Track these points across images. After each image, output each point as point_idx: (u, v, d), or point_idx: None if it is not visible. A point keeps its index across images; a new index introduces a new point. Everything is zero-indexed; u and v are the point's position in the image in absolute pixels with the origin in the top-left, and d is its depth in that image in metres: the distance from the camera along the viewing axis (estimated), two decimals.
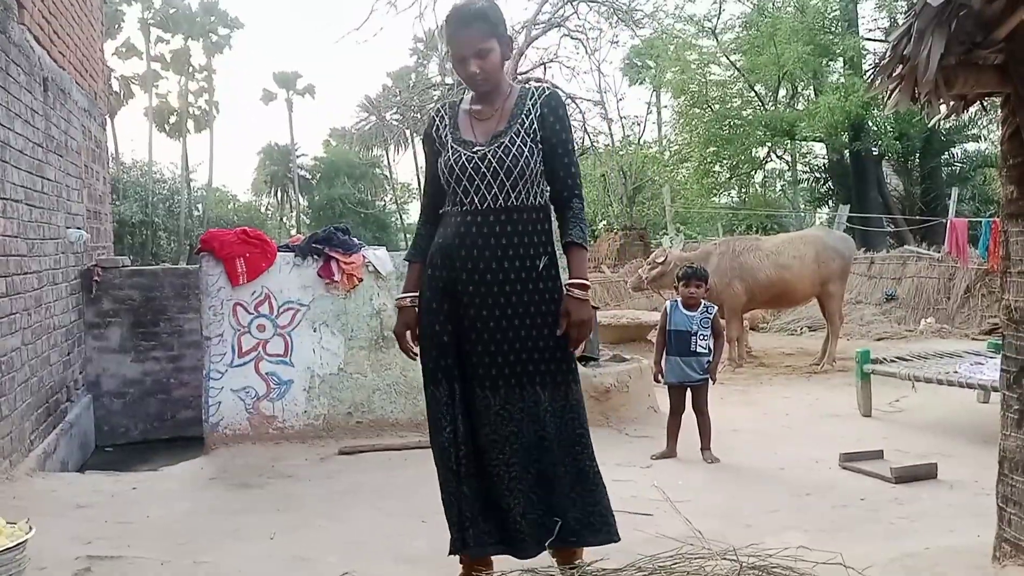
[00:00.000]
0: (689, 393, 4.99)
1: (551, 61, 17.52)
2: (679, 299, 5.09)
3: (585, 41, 17.21)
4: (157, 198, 33.69)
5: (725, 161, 19.45)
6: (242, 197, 46.62)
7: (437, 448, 2.69)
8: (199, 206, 39.38)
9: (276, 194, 48.78)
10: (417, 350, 2.77)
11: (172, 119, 40.50)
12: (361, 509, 3.72)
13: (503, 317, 2.64)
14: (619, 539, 2.78)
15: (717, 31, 18.69)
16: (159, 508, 3.88)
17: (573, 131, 2.81)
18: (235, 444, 4.97)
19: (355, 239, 5.38)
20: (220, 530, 3.50)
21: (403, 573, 3.00)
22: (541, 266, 2.65)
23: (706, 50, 19.12)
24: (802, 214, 25.36)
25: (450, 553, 2.69)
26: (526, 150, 2.65)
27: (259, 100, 49.51)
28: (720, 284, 8.71)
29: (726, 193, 23.04)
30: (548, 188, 2.74)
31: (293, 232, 47.96)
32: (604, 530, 2.75)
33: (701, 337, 4.95)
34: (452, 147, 2.71)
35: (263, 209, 46.55)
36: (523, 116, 2.69)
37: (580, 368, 5.89)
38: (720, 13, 18.85)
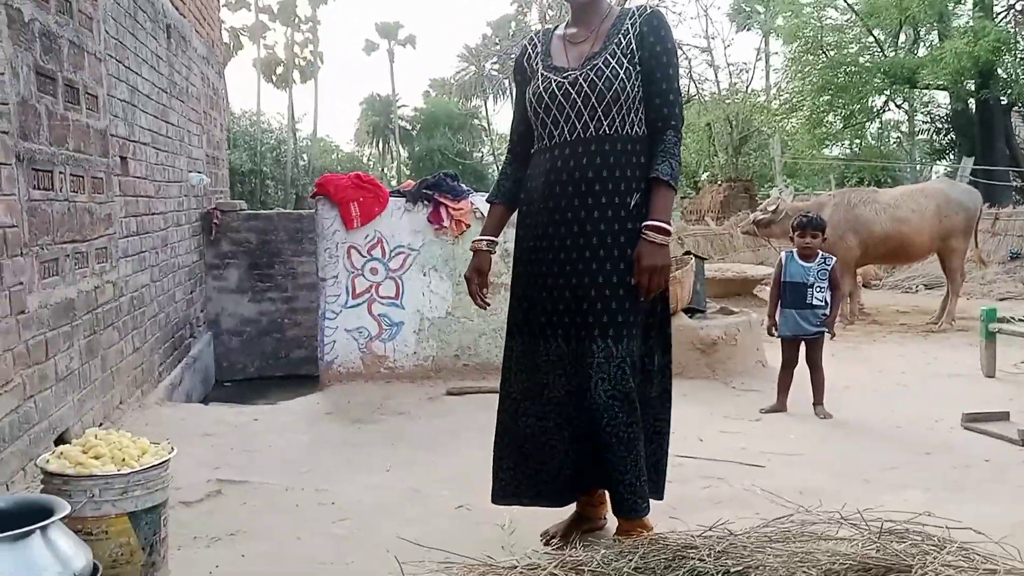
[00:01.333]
0: (803, 347, 4.85)
1: (657, 4, 17.03)
2: (794, 249, 4.91)
3: None
4: (265, 147, 34.73)
5: (839, 110, 18.52)
6: (345, 147, 47.56)
7: (504, 399, 2.58)
8: (304, 156, 40.41)
9: (377, 144, 49.52)
10: (488, 299, 2.66)
11: (279, 70, 41.46)
12: (469, 447, 3.79)
13: (583, 260, 2.41)
14: (660, 498, 2.65)
15: None
16: (280, 439, 4.07)
17: (677, 56, 2.52)
18: (348, 381, 5.14)
19: (463, 185, 5.41)
20: (338, 461, 3.64)
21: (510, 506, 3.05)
22: (632, 204, 2.40)
23: None
24: (919, 167, 24.07)
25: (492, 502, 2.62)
26: (621, 72, 2.39)
27: (361, 51, 50.03)
28: (833, 237, 8.34)
29: (838, 144, 22.01)
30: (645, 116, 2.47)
31: (393, 182, 48.77)
32: (642, 491, 2.46)
33: (818, 289, 4.77)
34: (542, 74, 2.50)
35: (365, 159, 47.38)
36: (620, 36, 2.44)
37: (686, 320, 5.86)
38: None
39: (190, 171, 6.43)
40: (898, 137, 25.27)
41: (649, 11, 2.50)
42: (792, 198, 13.55)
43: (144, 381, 4.78)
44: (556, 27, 2.65)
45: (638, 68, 2.42)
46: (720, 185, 20.24)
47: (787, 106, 20.49)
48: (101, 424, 3.83)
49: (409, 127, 48.01)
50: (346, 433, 4.19)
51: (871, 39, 18.65)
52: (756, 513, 3.00)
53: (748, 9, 29.69)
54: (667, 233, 2.38)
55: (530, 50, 2.61)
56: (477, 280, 2.63)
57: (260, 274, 7.11)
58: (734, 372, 5.75)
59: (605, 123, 2.41)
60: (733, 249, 13.43)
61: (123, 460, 2.19)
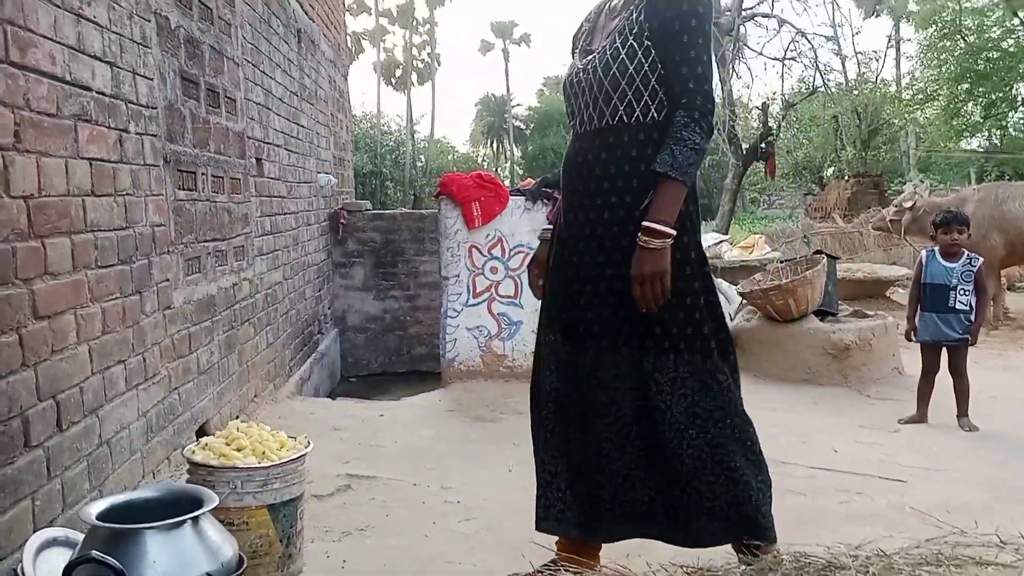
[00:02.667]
0: (944, 353, 4.53)
1: None
2: (936, 248, 4.58)
3: None
4: (384, 149, 35.68)
5: (979, 99, 17.37)
6: (460, 148, 48.33)
7: (531, 403, 2.34)
8: (422, 157, 41.30)
9: (492, 144, 50.06)
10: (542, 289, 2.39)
11: (397, 72, 42.52)
12: None
13: (598, 264, 2.12)
14: (725, 542, 2.13)
15: None
16: (405, 434, 4.13)
17: (701, 23, 2.06)
18: (469, 379, 5.18)
19: None
20: (462, 458, 3.66)
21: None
22: (647, 202, 2.05)
23: None
24: None
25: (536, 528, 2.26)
26: (624, 51, 2.08)
27: (477, 51, 50.65)
28: (976, 235, 7.82)
29: (977, 136, 20.67)
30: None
31: (507, 182, 49.15)
32: (712, 529, 2.10)
33: (961, 292, 4.43)
34: (572, 61, 2.29)
35: (479, 159, 48.00)
36: (634, 7, 2.11)
37: (816, 323, 5.60)
38: None
39: (319, 172, 6.64)
40: None
41: None
42: (928, 193, 12.81)
43: (276, 375, 4.96)
44: None
45: (646, 44, 2.07)
46: (848, 181, 19.37)
47: (921, 96, 19.40)
48: (238, 416, 3.99)
49: (523, 126, 48.29)
50: (468, 430, 4.21)
51: (1016, 21, 17.40)
52: (901, 532, 2.81)
53: None
54: (663, 236, 2.00)
55: (584, 27, 2.34)
56: (534, 271, 2.44)
57: (384, 272, 7.28)
58: (869, 379, 5.45)
59: (607, 112, 2.12)
60: (863, 248, 12.78)
61: (263, 453, 2.25)
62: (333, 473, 3.37)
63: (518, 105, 49.50)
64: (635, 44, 2.07)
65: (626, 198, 2.09)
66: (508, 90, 47.51)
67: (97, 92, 2.58)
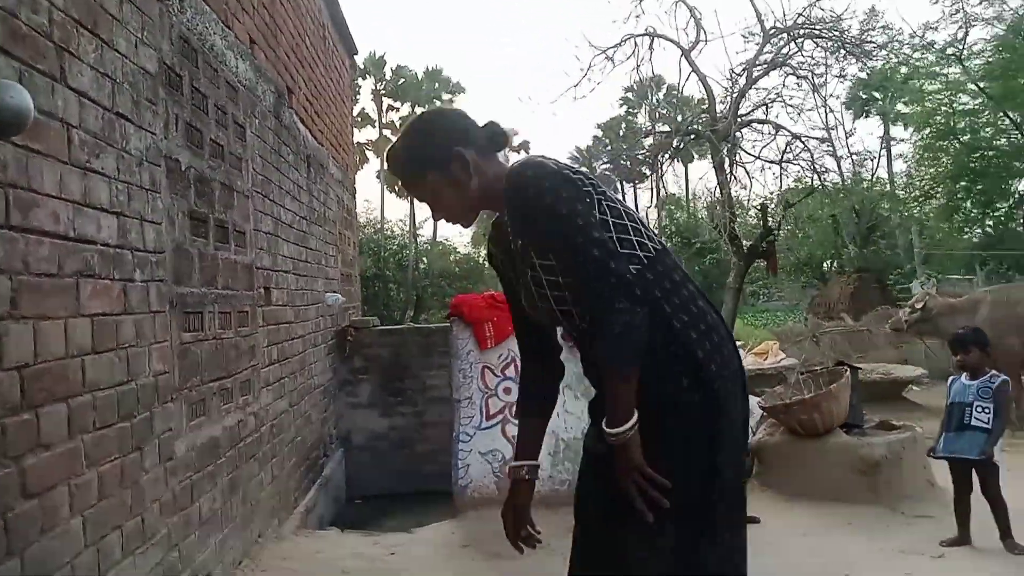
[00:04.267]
0: (975, 476, 4.34)
1: (773, 101, 16.82)
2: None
3: (811, 78, 16.37)
4: (388, 253, 36.03)
5: (978, 196, 17.55)
6: (462, 249, 48.82)
7: None
8: (424, 259, 41.64)
9: None
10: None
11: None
12: None
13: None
14: None
15: (963, 57, 17.01)
16: None
17: (551, 203, 1.76)
18: (483, 507, 4.93)
19: None
20: None
21: None
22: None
23: (950, 78, 17.48)
24: None
25: None
26: (535, 288, 1.86)
27: None
28: (993, 338, 7.70)
29: (975, 229, 20.80)
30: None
31: None
32: None
33: (978, 409, 4.28)
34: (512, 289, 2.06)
35: (480, 260, 48.36)
36: (512, 234, 1.91)
37: (843, 438, 5.39)
38: (966, 36, 17.13)
39: (326, 291, 6.57)
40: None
41: (505, 186, 1.86)
42: (935, 290, 12.75)
43: (281, 509, 4.74)
44: None
45: (543, 261, 1.84)
46: (849, 276, 19.37)
47: (918, 194, 19.63)
48: (241, 562, 3.77)
49: None
50: (487, 571, 3.97)
51: (1007, 122, 17.76)
52: None
53: (864, 96, 29.03)
54: (619, 435, 1.73)
55: (492, 250, 2.11)
56: (512, 520, 2.03)
57: (391, 388, 7.12)
58: (901, 495, 5.21)
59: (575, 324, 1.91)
60: (873, 347, 12.62)
61: None
62: None
63: None
64: (538, 271, 1.82)
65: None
66: None
67: (102, 244, 2.50)
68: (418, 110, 42.15)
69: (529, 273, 1.84)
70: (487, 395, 5.07)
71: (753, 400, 6.52)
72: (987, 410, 4.25)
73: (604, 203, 1.83)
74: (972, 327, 4.75)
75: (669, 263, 1.87)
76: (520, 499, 2.03)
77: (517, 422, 2.17)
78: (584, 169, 1.96)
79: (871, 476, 5.23)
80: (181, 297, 3.18)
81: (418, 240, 42.00)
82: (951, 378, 4.55)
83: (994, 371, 4.41)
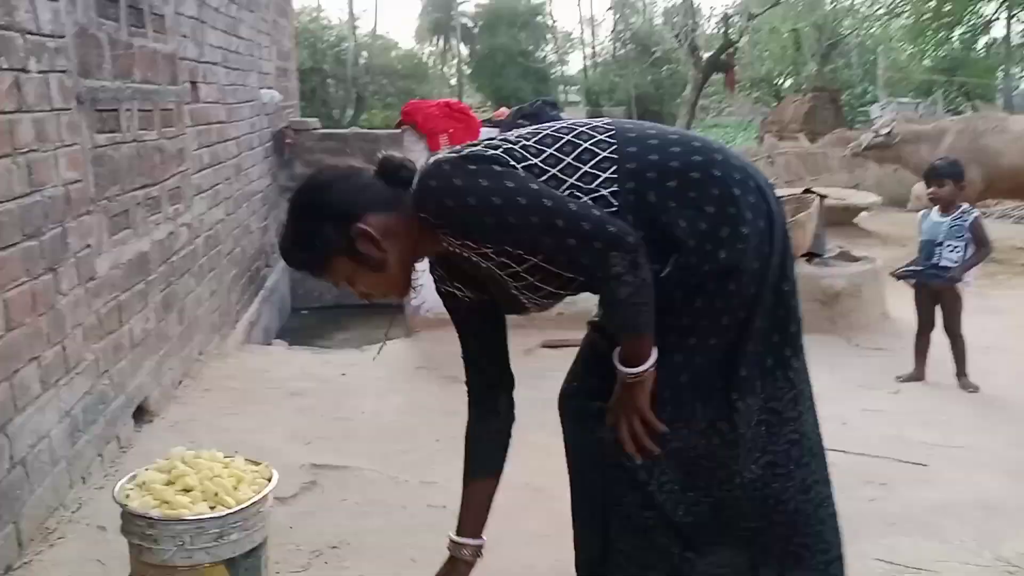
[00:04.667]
0: (939, 311, 4.26)
1: None
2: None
3: None
4: (325, 45, 33.92)
5: (945, 19, 16.97)
6: (404, 45, 46.35)
7: None
8: (364, 54, 39.46)
9: (438, 42, 48.17)
10: None
11: None
12: None
13: None
14: None
15: None
16: (372, 401, 3.72)
17: (479, 200, 1.45)
18: (438, 328, 4.73)
19: (565, 115, 4.83)
20: (439, 439, 3.24)
21: None
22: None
23: None
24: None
25: None
26: (518, 276, 1.58)
27: None
28: None
29: (936, 53, 20.36)
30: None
31: (452, 82, 47.62)
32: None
33: (948, 248, 4.10)
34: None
35: (425, 57, 46.17)
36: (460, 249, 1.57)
37: (806, 268, 5.27)
38: None
39: (261, 87, 5.94)
40: (990, 44, 23.04)
41: (424, 217, 1.51)
42: (894, 115, 12.53)
43: (223, 324, 4.46)
44: None
45: (506, 258, 1.55)
46: (805, 96, 18.98)
47: (883, 11, 18.92)
48: (180, 383, 3.51)
49: (471, 24, 46.42)
50: (442, 396, 3.79)
51: None
52: (941, 541, 2.55)
53: None
54: (635, 375, 1.52)
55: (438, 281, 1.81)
56: None
57: None
58: (857, 326, 5.19)
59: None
60: (827, 170, 12.52)
61: (216, 495, 1.80)
62: (296, 463, 2.93)
63: (466, 1, 47.48)
64: (508, 261, 1.53)
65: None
66: None
67: None
68: None
69: (516, 282, 1.56)
70: None
71: None
72: (958, 249, 4.08)
73: (540, 158, 1.51)
74: (950, 158, 4.48)
75: (634, 152, 1.54)
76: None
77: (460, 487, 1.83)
78: (496, 139, 1.57)
79: (831, 307, 5.17)
80: (91, 92, 2.67)
81: (357, 32, 39.62)
82: (921, 212, 4.33)
83: (965, 206, 4.21)
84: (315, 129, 6.72)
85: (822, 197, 5.72)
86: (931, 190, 4.17)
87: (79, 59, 2.58)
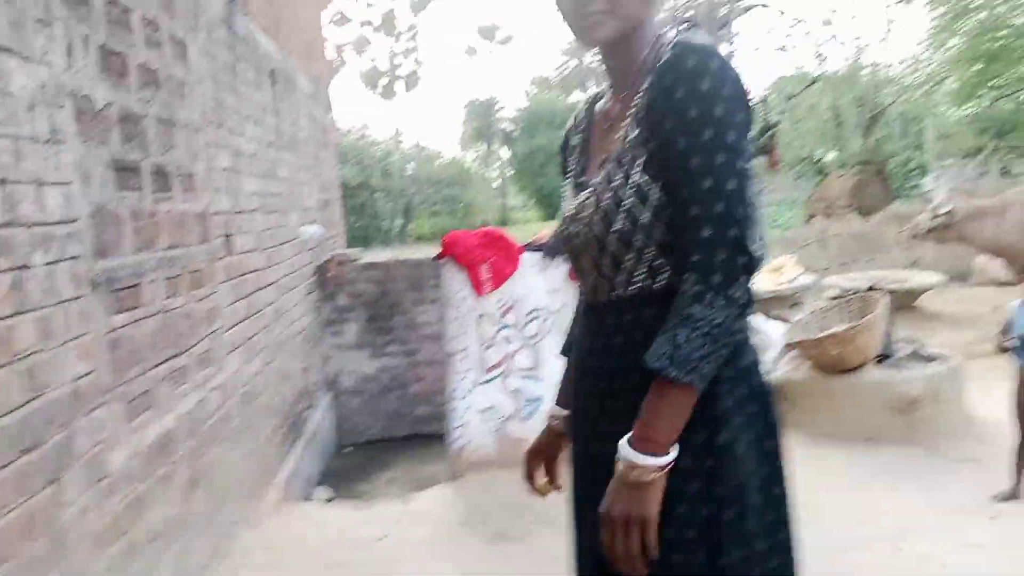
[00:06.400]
0: None
1: None
2: None
3: None
4: (372, 160, 34.98)
5: (993, 81, 16.65)
6: (448, 153, 47.56)
7: None
8: (410, 164, 40.55)
9: (480, 148, 49.38)
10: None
11: (383, 81, 41.77)
12: None
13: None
14: None
15: None
16: (416, 568, 3.43)
17: (719, 126, 1.30)
18: (483, 470, 4.46)
19: None
20: None
21: None
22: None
23: None
24: None
25: None
26: (622, 193, 1.39)
27: (463, 54, 49.95)
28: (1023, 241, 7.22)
29: (984, 117, 19.94)
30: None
31: (495, 184, 48.51)
32: None
33: None
34: (565, 196, 1.59)
35: (468, 164, 47.23)
36: (636, 115, 1.40)
37: (877, 374, 4.90)
38: None
39: (303, 224, 5.92)
40: None
41: (665, 57, 1.37)
42: (948, 190, 12.13)
43: (258, 484, 4.25)
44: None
45: (647, 178, 1.37)
46: (850, 170, 18.67)
47: (924, 78, 18.68)
48: (207, 566, 3.28)
49: (511, 128, 47.53)
50: (490, 560, 3.50)
51: None
52: None
53: None
54: (644, 468, 1.29)
55: (570, 137, 1.64)
56: (532, 462, 1.74)
57: (380, 327, 6.57)
58: (939, 434, 4.80)
59: (609, 280, 1.45)
60: (882, 249, 12.11)
61: None
62: None
63: (503, 107, 48.80)
64: (637, 180, 1.37)
65: (632, 402, 1.34)
66: (495, 92, 46.87)
67: None
68: (397, 5, 40.05)
69: (613, 179, 1.40)
70: (485, 346, 4.51)
71: (775, 328, 6.00)
72: None
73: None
74: None
75: None
76: (542, 445, 1.76)
77: (562, 360, 1.77)
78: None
79: (908, 415, 4.78)
80: (108, 272, 2.56)
81: (403, 145, 40.81)
82: (1018, 303, 3.97)
83: None
84: (357, 260, 6.67)
85: (889, 293, 5.37)
86: None
87: (95, 240, 2.48)
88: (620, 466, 1.30)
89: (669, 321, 1.31)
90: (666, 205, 1.35)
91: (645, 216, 1.37)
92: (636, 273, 1.41)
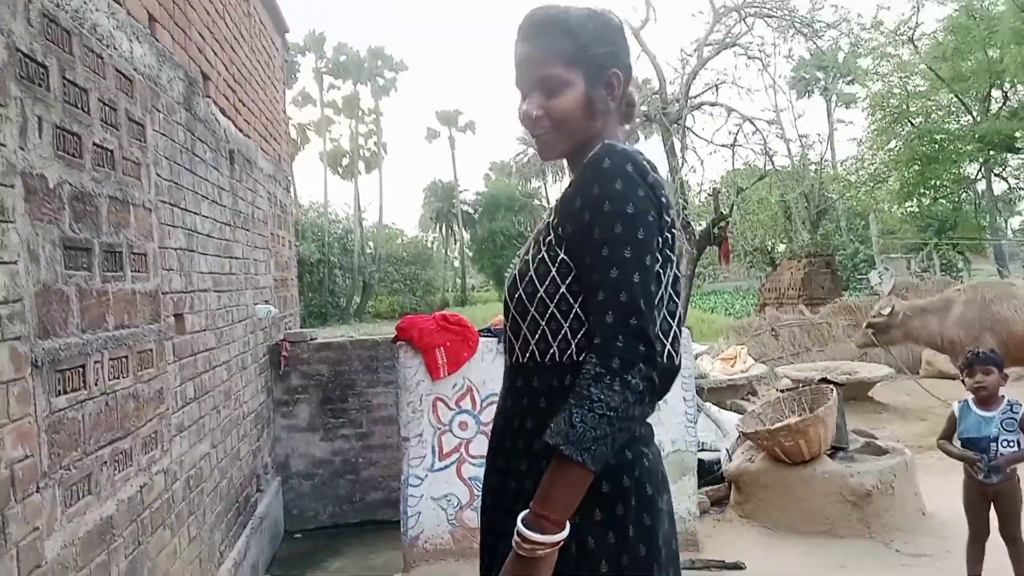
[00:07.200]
0: (993, 512, 3.88)
1: (723, 82, 16.40)
2: (969, 397, 3.93)
3: (761, 58, 16.00)
4: (332, 237, 35.04)
5: (931, 182, 17.47)
6: (409, 233, 47.91)
7: None
8: (370, 243, 40.65)
9: (441, 229, 49.82)
10: None
11: (344, 161, 42.23)
12: None
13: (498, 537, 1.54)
14: None
15: (915, 38, 16.80)
16: None
17: (619, 204, 1.42)
18: (437, 560, 4.35)
19: None
20: None
21: None
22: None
23: (902, 60, 17.29)
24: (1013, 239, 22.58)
25: None
26: (534, 266, 1.53)
27: (423, 139, 50.96)
28: (967, 339, 7.42)
29: (924, 216, 20.84)
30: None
31: (456, 264, 48.75)
32: None
33: (1004, 443, 3.78)
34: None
35: (429, 243, 47.52)
36: (556, 204, 1.57)
37: (831, 465, 4.92)
38: (917, 16, 17.00)
39: (257, 303, 5.85)
40: (976, 202, 23.60)
41: (592, 155, 1.51)
42: (892, 284, 12.52)
43: (203, 572, 4.06)
44: None
45: (560, 255, 1.50)
46: (800, 261, 19.22)
47: (866, 177, 19.51)
48: None
49: (471, 211, 48.15)
50: None
51: (960, 104, 17.67)
52: None
53: (807, 76, 28.90)
54: (536, 544, 1.34)
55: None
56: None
57: (333, 409, 6.45)
58: (893, 527, 4.81)
59: (519, 346, 1.57)
60: (832, 340, 12.36)
61: None
62: None
63: (465, 190, 49.60)
64: (547, 256, 1.52)
65: (533, 469, 1.47)
66: (455, 176, 47.65)
67: None
68: (361, 89, 40.84)
69: (528, 252, 1.59)
70: (440, 431, 4.45)
71: (731, 417, 6.03)
72: (1013, 443, 3.75)
73: (668, 268, 1.52)
74: (987, 348, 4.16)
75: None
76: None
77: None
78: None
79: (862, 508, 4.80)
80: (51, 353, 2.48)
81: (363, 224, 40.96)
82: (957, 406, 4.00)
83: (1009, 396, 3.91)
84: (312, 340, 6.58)
85: (839, 385, 5.45)
86: (977, 379, 3.76)
87: (39, 320, 2.41)
88: (515, 539, 1.37)
89: (571, 398, 1.37)
90: (560, 284, 1.49)
91: (544, 288, 1.51)
92: (533, 340, 1.52)
